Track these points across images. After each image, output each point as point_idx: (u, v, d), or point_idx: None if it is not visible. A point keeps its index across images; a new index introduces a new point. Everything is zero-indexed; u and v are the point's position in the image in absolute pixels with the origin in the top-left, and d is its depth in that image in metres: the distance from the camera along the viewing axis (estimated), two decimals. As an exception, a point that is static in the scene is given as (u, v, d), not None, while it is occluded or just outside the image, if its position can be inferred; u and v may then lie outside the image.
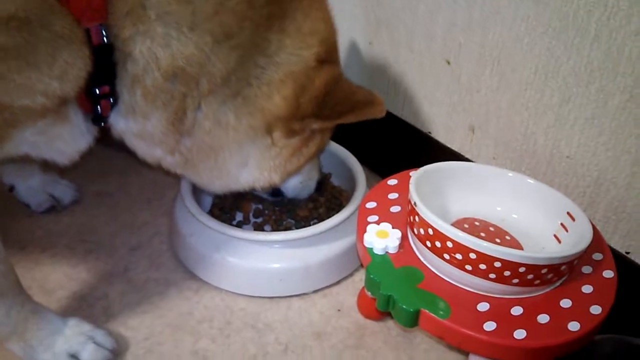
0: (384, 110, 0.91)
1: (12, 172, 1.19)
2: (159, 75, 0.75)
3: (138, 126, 0.82)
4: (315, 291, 1.03)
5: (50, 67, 0.68)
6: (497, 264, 0.72)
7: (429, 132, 1.17)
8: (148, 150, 0.88)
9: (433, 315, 0.73)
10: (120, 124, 0.82)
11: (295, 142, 0.91)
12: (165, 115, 0.80)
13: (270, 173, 0.93)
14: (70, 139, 0.82)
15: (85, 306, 0.99)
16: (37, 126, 0.76)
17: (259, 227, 1.13)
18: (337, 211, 1.06)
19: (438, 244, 0.76)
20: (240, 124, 0.84)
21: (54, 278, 1.05)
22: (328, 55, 0.87)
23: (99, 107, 0.78)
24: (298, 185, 1.05)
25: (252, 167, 0.92)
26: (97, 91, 0.76)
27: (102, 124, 0.82)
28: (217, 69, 0.77)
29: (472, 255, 0.73)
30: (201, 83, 0.78)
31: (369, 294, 0.88)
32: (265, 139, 0.88)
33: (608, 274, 0.79)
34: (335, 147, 1.20)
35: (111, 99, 0.78)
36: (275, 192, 1.07)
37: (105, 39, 0.71)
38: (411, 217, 0.81)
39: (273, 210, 1.16)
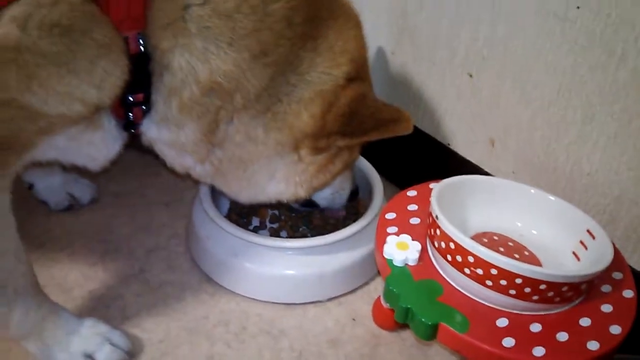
0: (411, 127, 0.91)
1: (32, 171, 1.20)
2: (197, 89, 0.76)
3: (171, 135, 0.83)
4: (331, 299, 1.04)
5: (89, 74, 0.69)
6: (518, 281, 0.72)
7: (449, 144, 1.17)
8: (178, 158, 0.89)
9: (452, 329, 0.73)
10: (153, 131, 0.83)
11: (322, 159, 0.92)
12: (199, 126, 0.81)
13: (297, 187, 0.94)
14: (102, 146, 0.83)
15: (101, 306, 1.00)
16: (69, 132, 0.77)
17: (275, 233, 1.14)
18: (354, 220, 1.07)
19: (459, 258, 0.76)
20: (268, 139, 0.86)
21: (72, 277, 1.05)
22: (357, 73, 0.88)
23: (131, 114, 0.79)
24: (329, 196, 1.06)
25: (279, 181, 0.93)
26: (131, 99, 0.76)
27: (133, 130, 0.83)
28: (251, 85, 0.79)
29: (493, 271, 0.73)
30: (236, 98, 0.79)
31: (385, 304, 0.89)
32: (292, 154, 0.90)
33: (628, 293, 0.79)
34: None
35: (144, 107, 0.79)
36: (308, 202, 1.08)
37: (142, 47, 0.72)
38: (432, 230, 0.81)
39: (289, 216, 1.16)
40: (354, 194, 1.10)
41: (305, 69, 0.83)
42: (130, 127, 0.82)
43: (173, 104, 0.78)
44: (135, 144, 0.88)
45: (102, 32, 0.68)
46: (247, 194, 0.97)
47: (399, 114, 0.90)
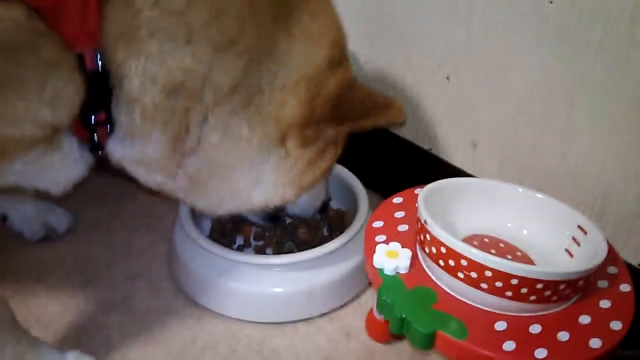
0: (404, 114, 0.88)
1: (3, 201, 1.16)
2: (158, 93, 0.72)
3: (137, 151, 0.79)
4: (322, 315, 1.01)
5: (38, 95, 0.65)
6: (514, 281, 0.70)
7: (430, 149, 1.16)
8: (149, 175, 0.85)
9: (450, 336, 0.70)
10: (118, 151, 0.79)
11: (310, 153, 0.88)
12: (166, 134, 0.77)
13: (285, 188, 0.90)
14: (63, 168, 0.79)
15: (84, 338, 0.96)
16: (28, 157, 0.73)
17: (260, 251, 1.11)
18: (340, 232, 1.04)
19: (451, 262, 0.74)
20: (253, 135, 0.81)
21: (51, 310, 1.01)
22: (339, 58, 0.85)
23: (95, 135, 0.75)
24: (304, 201, 1.02)
25: (265, 183, 0.88)
26: (93, 118, 0.73)
27: (100, 152, 0.79)
28: (222, 78, 0.75)
29: (488, 273, 0.71)
30: (205, 95, 0.75)
31: (379, 316, 0.86)
32: (279, 150, 0.85)
33: (625, 287, 0.78)
34: (336, 168, 1.18)
35: (108, 126, 0.75)
36: (271, 216, 1.05)
37: (100, 63, 0.68)
38: (421, 236, 0.79)
39: (274, 233, 1.13)
40: (325, 205, 1.08)
41: (284, 55, 0.79)
42: (97, 149, 0.78)
43: (135, 115, 0.74)
44: (108, 167, 0.85)
45: (50, 49, 0.64)
46: (229, 205, 0.91)
47: (391, 100, 0.88)
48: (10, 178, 0.77)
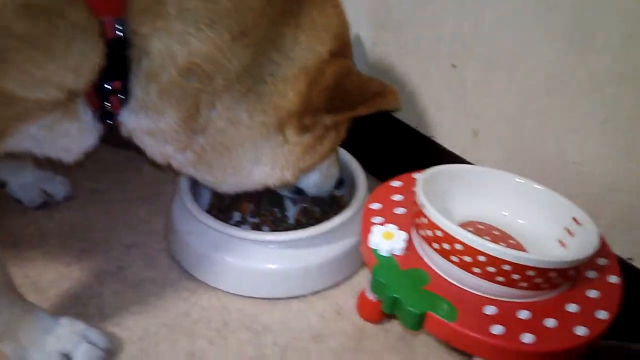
0: (398, 101, 0.89)
1: (4, 169, 1.17)
2: (176, 71, 0.74)
3: (151, 123, 0.81)
4: (314, 293, 1.02)
5: (65, 58, 0.67)
6: (506, 267, 0.71)
7: (432, 136, 1.16)
8: (158, 147, 0.86)
9: (439, 318, 0.72)
10: (132, 121, 0.81)
11: (308, 140, 0.90)
12: (179, 112, 0.79)
13: (283, 171, 0.92)
14: (77, 136, 0.80)
15: (78, 305, 0.97)
16: (45, 121, 0.74)
17: (256, 228, 1.12)
18: (336, 213, 1.05)
19: (446, 246, 0.75)
20: (253, 122, 0.84)
21: (47, 276, 1.02)
22: (340, 49, 0.86)
23: (107, 103, 0.77)
24: (317, 182, 1.03)
25: (264, 165, 0.90)
26: (108, 87, 0.74)
27: (111, 121, 0.80)
28: (232, 66, 0.77)
29: (481, 258, 0.72)
30: (216, 80, 0.77)
31: (371, 296, 0.88)
32: (277, 136, 0.87)
33: (613, 279, 0.79)
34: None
35: (122, 96, 0.76)
36: (297, 190, 1.06)
37: (120, 33, 0.70)
38: (418, 219, 0.80)
39: (270, 211, 1.14)
40: (340, 182, 1.09)
41: (289, 47, 0.81)
42: (107, 118, 0.79)
43: (152, 90, 0.76)
44: (111, 139, 0.85)
45: (77, 13, 0.65)
46: (232, 182, 0.93)
47: (385, 87, 0.88)
48: (26, 143, 0.78)
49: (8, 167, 1.16)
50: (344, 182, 1.12)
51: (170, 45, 0.72)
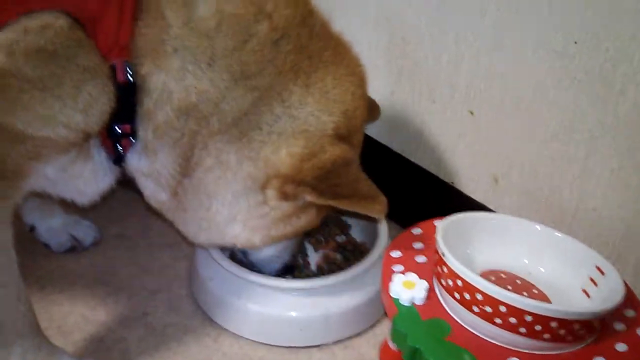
0: (384, 212, 0.84)
1: (33, 213, 1.19)
2: (171, 110, 0.75)
3: (148, 164, 0.81)
4: (336, 342, 1.01)
5: (74, 99, 0.69)
6: (528, 318, 0.70)
7: (452, 182, 1.17)
8: (155, 191, 0.86)
9: (461, 369, 0.71)
10: (134, 161, 0.82)
11: (288, 208, 0.86)
12: (173, 153, 0.79)
13: (253, 232, 0.88)
14: (91, 179, 0.82)
15: (103, 349, 0.98)
16: (59, 162, 0.76)
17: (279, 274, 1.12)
18: (358, 261, 1.05)
19: (467, 295, 0.75)
20: (240, 169, 0.81)
21: (72, 320, 1.04)
22: (348, 132, 0.85)
23: (119, 146, 0.78)
24: (267, 257, 1.01)
25: (237, 223, 0.87)
26: (119, 130, 0.76)
27: (123, 164, 0.82)
28: (230, 108, 0.76)
29: (503, 308, 0.71)
30: (212, 121, 0.77)
31: (393, 346, 0.87)
32: (258, 194, 0.84)
33: (641, 331, 0.77)
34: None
35: (132, 138, 0.78)
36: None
37: (130, 77, 0.72)
38: (439, 268, 0.80)
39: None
40: (287, 269, 1.05)
41: (294, 104, 0.80)
42: (120, 161, 0.81)
43: (149, 129, 0.76)
44: (133, 184, 0.87)
45: (89, 57, 0.68)
46: (205, 235, 0.90)
47: (377, 193, 0.84)
48: (41, 183, 0.80)
49: (37, 211, 1.19)
50: (293, 269, 1.09)
51: (166, 82, 0.73)
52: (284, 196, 0.83)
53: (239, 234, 0.89)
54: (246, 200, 0.85)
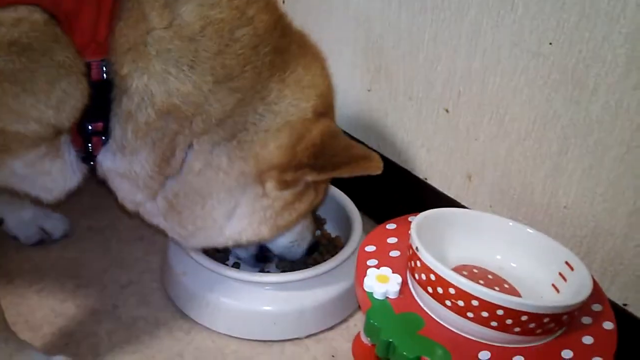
0: (381, 167, 0.89)
1: (2, 205, 1.17)
2: (153, 111, 0.74)
3: (125, 164, 0.80)
4: (309, 336, 1.01)
5: (47, 95, 0.68)
6: (500, 312, 0.71)
7: (425, 179, 1.18)
8: (130, 192, 0.85)
9: (434, 363, 0.72)
10: (107, 161, 0.81)
11: (288, 196, 0.89)
12: (153, 154, 0.79)
13: (260, 225, 0.90)
14: (59, 176, 0.80)
15: (72, 344, 0.96)
16: (28, 157, 0.75)
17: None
18: (332, 255, 1.06)
19: (440, 290, 0.75)
20: (232, 168, 0.83)
21: (41, 314, 1.02)
22: (325, 109, 0.88)
23: (89, 144, 0.77)
24: (288, 244, 1.03)
25: (240, 217, 0.88)
26: (90, 127, 0.75)
27: (92, 162, 0.81)
28: (214, 109, 0.77)
29: (475, 303, 0.72)
30: (195, 122, 0.77)
31: (366, 339, 0.87)
32: (256, 187, 0.86)
33: (608, 325, 0.79)
34: (332, 190, 1.20)
35: (103, 137, 0.77)
36: (260, 256, 1.06)
37: (104, 75, 0.71)
38: (412, 263, 0.81)
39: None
40: (313, 248, 1.07)
41: (274, 99, 0.82)
42: (89, 159, 0.80)
43: (129, 129, 0.76)
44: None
45: (64, 53, 0.67)
46: (203, 235, 0.91)
47: (369, 152, 0.89)
48: (8, 179, 0.78)
49: (5, 204, 1.17)
50: (319, 246, 1.11)
51: (148, 84, 0.72)
52: (285, 185, 0.87)
53: (244, 229, 0.90)
54: (245, 196, 0.87)
